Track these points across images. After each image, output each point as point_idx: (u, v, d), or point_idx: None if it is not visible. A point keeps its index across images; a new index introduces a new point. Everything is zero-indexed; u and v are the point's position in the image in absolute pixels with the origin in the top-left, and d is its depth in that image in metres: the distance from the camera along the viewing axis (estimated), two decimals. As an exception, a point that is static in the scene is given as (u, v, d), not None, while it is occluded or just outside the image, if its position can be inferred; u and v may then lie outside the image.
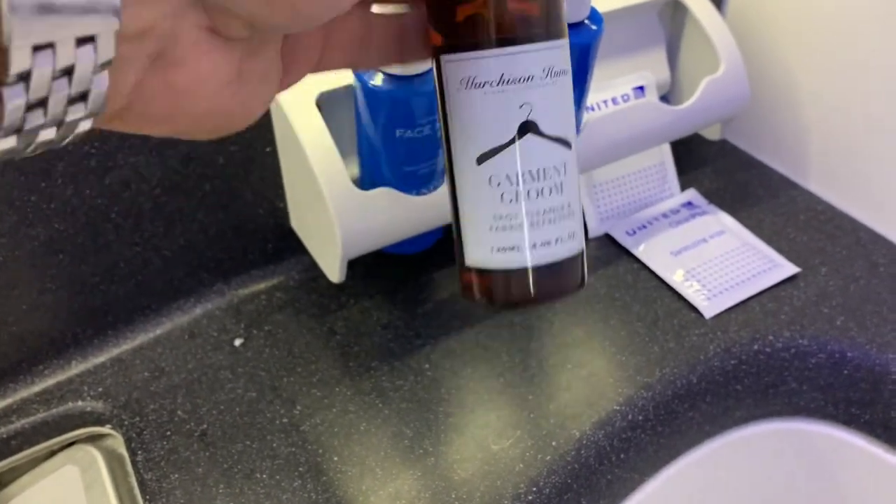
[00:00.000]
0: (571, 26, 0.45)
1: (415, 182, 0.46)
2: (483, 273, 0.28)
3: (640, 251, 0.54)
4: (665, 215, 0.57)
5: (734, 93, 0.55)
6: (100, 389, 0.48)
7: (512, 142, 0.28)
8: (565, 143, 0.29)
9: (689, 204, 0.58)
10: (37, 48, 0.14)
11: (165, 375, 0.48)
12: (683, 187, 0.60)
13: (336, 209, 0.43)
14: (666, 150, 0.58)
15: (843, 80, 0.55)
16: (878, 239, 0.56)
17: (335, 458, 0.43)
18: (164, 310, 0.51)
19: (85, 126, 0.17)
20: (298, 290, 0.53)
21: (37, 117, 0.16)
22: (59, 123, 0.16)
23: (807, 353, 0.48)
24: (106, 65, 0.16)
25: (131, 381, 0.48)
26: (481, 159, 0.28)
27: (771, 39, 0.60)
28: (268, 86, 0.22)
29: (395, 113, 0.42)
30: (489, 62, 0.27)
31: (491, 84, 0.27)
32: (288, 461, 0.43)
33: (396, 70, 0.41)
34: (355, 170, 0.48)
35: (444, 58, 0.27)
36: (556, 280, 0.29)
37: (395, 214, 0.45)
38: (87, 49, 0.15)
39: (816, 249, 0.55)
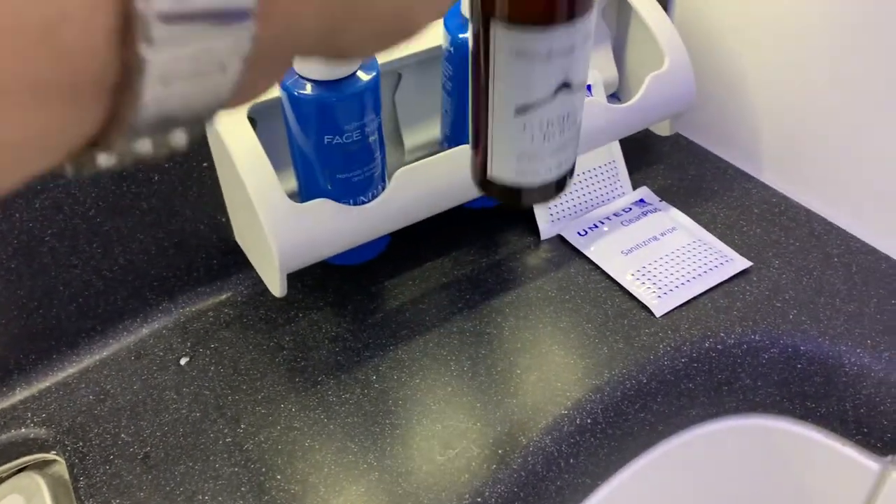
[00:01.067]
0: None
1: (351, 190, 0.45)
2: (503, 184, 0.35)
3: (592, 251, 0.54)
4: (617, 214, 0.56)
5: (680, 88, 0.55)
6: (44, 415, 0.47)
7: (548, 99, 0.32)
8: (585, 88, 0.33)
9: (641, 202, 0.57)
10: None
11: (110, 398, 0.47)
12: (637, 184, 0.59)
13: (270, 223, 0.42)
14: (616, 148, 0.57)
15: (792, 70, 0.55)
16: (832, 229, 0.55)
17: (278, 477, 0.42)
18: (110, 331, 0.51)
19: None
20: (246, 305, 0.52)
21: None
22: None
23: (759, 348, 0.48)
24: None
25: (76, 406, 0.47)
26: (519, 111, 0.32)
27: (720, 33, 0.59)
28: None
29: (322, 119, 0.41)
30: (540, 39, 0.29)
31: (539, 56, 0.30)
32: (230, 481, 0.42)
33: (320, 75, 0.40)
34: (293, 182, 0.48)
35: (498, 26, 0.30)
36: (556, 189, 0.36)
37: (333, 225, 0.44)
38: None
39: (770, 242, 0.54)
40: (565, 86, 0.32)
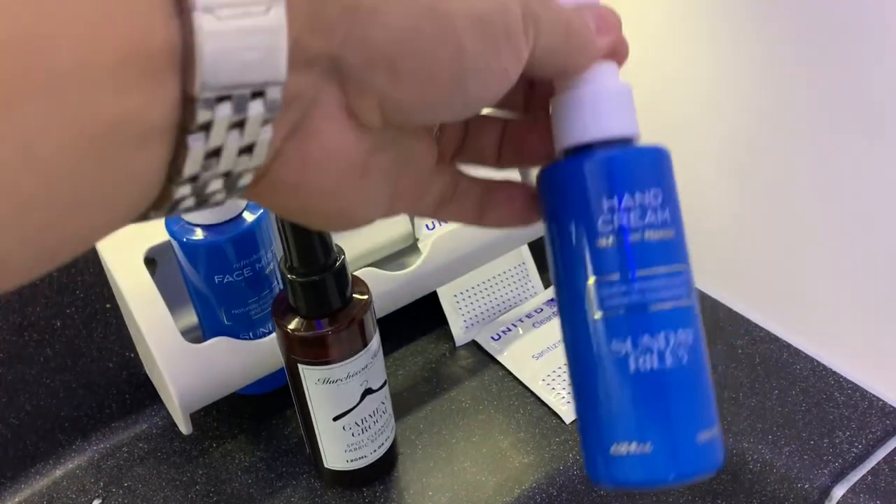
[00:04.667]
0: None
1: (250, 324, 0.46)
2: (342, 472, 0.45)
3: (505, 357, 0.54)
4: (529, 315, 0.57)
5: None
6: (-49, 573, 0.46)
7: (356, 405, 0.42)
8: (385, 385, 0.43)
9: (551, 301, 0.59)
10: (219, 99, 0.16)
11: (20, 549, 0.46)
12: (550, 283, 0.60)
13: (168, 367, 0.43)
14: (525, 250, 0.59)
15: (683, 160, 0.57)
16: (736, 318, 0.57)
17: None
18: (22, 477, 0.50)
19: (246, 180, 0.18)
20: (161, 437, 0.52)
21: (211, 165, 0.17)
22: (227, 174, 0.18)
23: (667, 449, 0.49)
24: (269, 120, 0.17)
25: (-16, 560, 0.46)
26: (337, 418, 0.42)
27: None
28: (387, 190, 0.22)
29: (212, 261, 0.42)
30: (340, 369, 0.40)
31: (341, 380, 0.40)
32: None
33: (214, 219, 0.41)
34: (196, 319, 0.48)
35: (303, 367, 0.40)
36: (385, 463, 0.46)
37: (234, 362, 0.45)
38: (258, 102, 0.17)
39: (677, 336, 0.55)
40: (368, 391, 0.42)
